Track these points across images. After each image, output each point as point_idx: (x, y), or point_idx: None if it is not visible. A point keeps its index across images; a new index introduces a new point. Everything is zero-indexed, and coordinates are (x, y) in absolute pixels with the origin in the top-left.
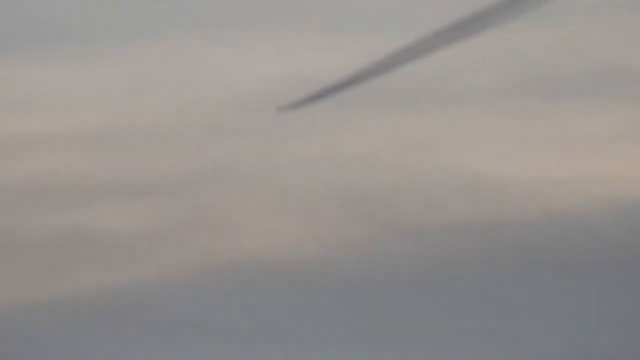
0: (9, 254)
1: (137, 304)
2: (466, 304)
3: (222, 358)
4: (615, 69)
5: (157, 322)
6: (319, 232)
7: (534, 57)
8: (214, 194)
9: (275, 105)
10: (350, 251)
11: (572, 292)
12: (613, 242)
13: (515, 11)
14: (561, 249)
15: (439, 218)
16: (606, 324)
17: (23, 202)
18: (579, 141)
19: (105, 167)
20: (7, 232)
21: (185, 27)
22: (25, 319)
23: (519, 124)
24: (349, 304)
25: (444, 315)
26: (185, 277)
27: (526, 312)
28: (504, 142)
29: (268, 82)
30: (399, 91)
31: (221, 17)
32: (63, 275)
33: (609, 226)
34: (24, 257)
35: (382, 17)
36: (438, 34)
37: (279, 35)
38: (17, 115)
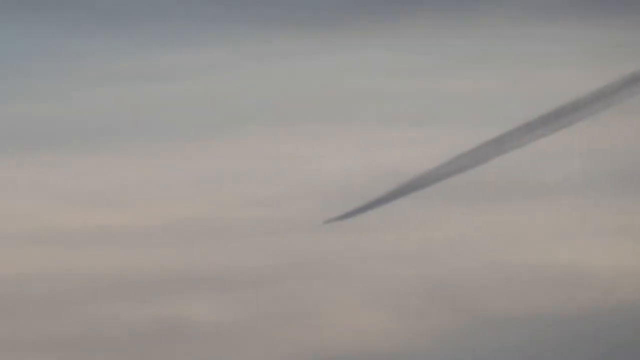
0: (96, 348)
1: None
2: None
3: None
4: None
5: None
6: (407, 323)
7: (622, 149)
8: (299, 287)
9: (361, 196)
10: (439, 343)
11: None
12: None
13: (605, 103)
14: None
15: (524, 309)
16: None
17: (107, 296)
18: None
19: (188, 260)
20: (93, 326)
21: (265, 121)
22: None
23: (606, 216)
24: None
25: None
26: None
27: None
28: (591, 233)
29: (349, 175)
30: (484, 184)
31: (302, 111)
32: None
33: None
34: (111, 352)
35: (467, 109)
36: (525, 127)
37: (361, 128)
38: (99, 209)
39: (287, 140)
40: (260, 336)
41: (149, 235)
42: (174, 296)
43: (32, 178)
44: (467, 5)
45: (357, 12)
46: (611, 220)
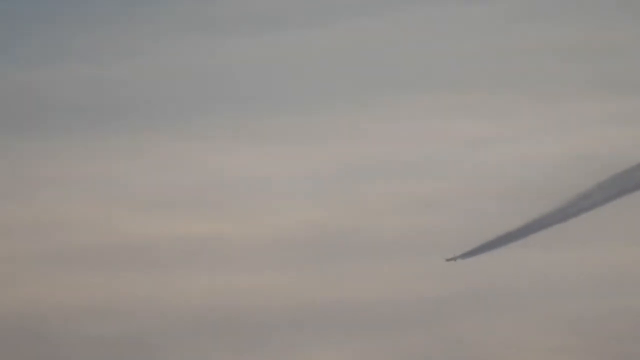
0: None
1: None
2: None
3: None
4: None
5: None
6: None
7: None
8: (467, 327)
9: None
10: None
11: None
12: None
13: None
14: None
15: None
16: None
17: (202, 338)
18: None
19: (313, 288)
20: None
21: (422, 89)
22: None
23: None
24: None
25: None
26: None
27: None
28: None
29: (536, 163)
30: None
31: (474, 74)
32: None
33: None
34: None
35: None
36: None
37: (550, 100)
38: (191, 214)
39: (454, 115)
40: None
41: (262, 251)
42: (292, 339)
43: (108, 175)
44: None
45: None
46: None
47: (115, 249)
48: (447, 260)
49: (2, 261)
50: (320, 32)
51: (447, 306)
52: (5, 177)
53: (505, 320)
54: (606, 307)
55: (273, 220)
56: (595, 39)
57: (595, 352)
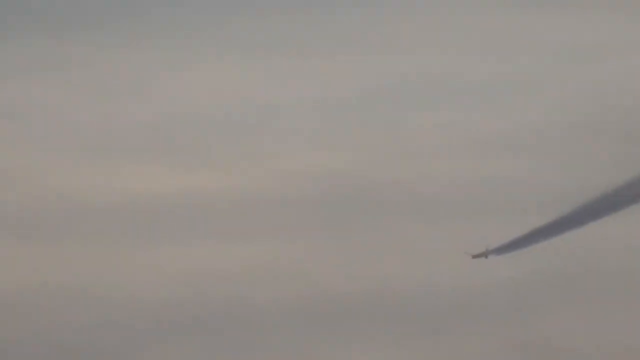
0: None
1: None
2: None
3: None
4: None
5: None
6: None
7: None
8: (553, 315)
9: None
10: None
11: None
12: None
13: None
14: None
15: None
16: None
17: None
18: None
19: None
20: None
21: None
22: None
23: None
24: None
25: None
26: None
27: None
28: None
29: None
30: None
31: None
32: None
33: None
34: None
35: None
36: None
37: None
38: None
39: (525, 12)
40: None
41: (256, 212)
42: (301, 340)
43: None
44: None
45: None
46: None
47: (47, 212)
48: (474, 257)
49: None
50: None
51: (519, 293)
52: None
53: (599, 314)
54: None
55: (269, 167)
56: None
57: None
